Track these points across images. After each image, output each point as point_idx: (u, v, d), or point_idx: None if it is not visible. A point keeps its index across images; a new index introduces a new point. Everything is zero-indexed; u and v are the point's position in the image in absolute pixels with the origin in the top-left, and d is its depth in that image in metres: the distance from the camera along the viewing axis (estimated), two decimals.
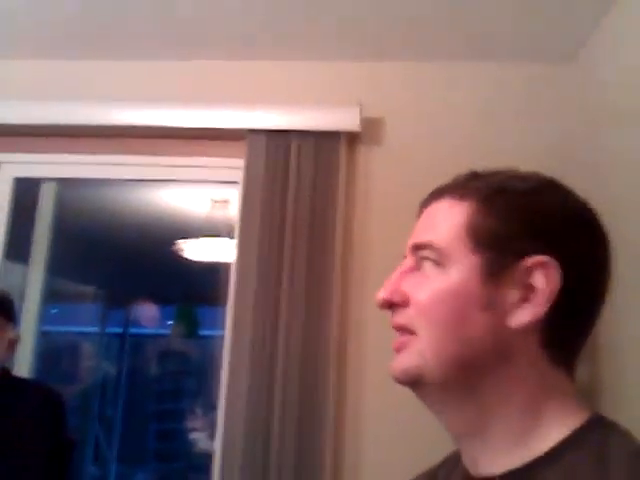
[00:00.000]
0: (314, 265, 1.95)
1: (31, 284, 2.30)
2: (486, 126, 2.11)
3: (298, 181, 2.01)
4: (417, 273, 0.70)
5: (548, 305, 0.64)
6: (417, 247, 0.70)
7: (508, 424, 0.66)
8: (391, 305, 0.70)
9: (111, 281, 5.73)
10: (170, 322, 6.20)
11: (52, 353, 5.16)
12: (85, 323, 6.11)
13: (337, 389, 1.92)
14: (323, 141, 2.03)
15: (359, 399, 1.97)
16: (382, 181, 2.10)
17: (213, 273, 3.29)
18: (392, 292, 0.70)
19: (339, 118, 2.05)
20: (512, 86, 2.15)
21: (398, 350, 0.69)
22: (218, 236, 3.50)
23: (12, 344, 1.71)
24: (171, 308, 6.15)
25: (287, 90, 2.20)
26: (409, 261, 0.71)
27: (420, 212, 0.74)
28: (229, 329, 1.98)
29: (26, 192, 2.33)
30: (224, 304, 2.10)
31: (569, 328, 0.67)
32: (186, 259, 3.84)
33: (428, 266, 0.69)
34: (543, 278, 0.64)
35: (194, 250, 3.74)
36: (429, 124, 2.13)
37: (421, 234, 0.71)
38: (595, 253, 0.68)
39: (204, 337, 5.95)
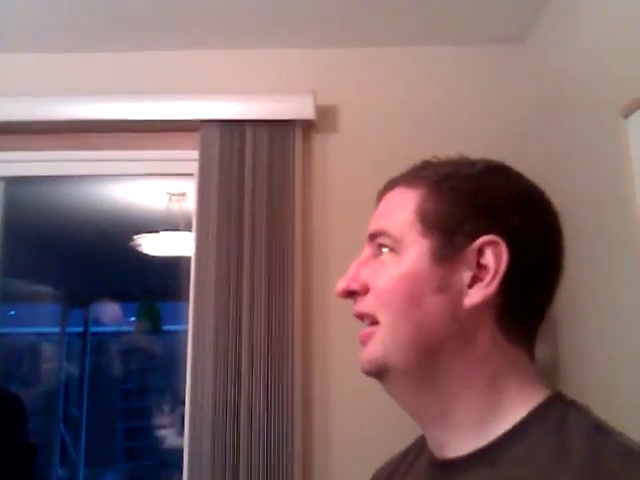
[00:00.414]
0: (274, 254, 1.93)
1: None
2: (439, 110, 2.11)
3: (254, 171, 1.98)
4: (375, 261, 0.72)
5: (497, 283, 0.66)
6: (373, 235, 0.72)
7: (471, 405, 0.67)
8: (350, 294, 0.72)
9: (69, 280, 5.62)
10: (132, 319, 6.13)
11: (11, 355, 5.05)
12: (45, 323, 5.99)
13: (303, 378, 1.92)
14: (278, 130, 2.02)
15: (326, 386, 1.97)
16: (339, 168, 2.10)
17: (174, 267, 3.26)
18: (351, 281, 0.72)
19: (293, 106, 2.03)
20: (464, 70, 2.16)
21: (363, 342, 0.71)
22: (177, 230, 3.46)
23: None
24: (133, 305, 6.08)
25: (240, 79, 2.17)
26: (367, 250, 0.73)
27: (377, 203, 0.76)
28: (191, 323, 1.95)
29: None
30: (186, 299, 2.07)
31: (523, 305, 0.68)
32: (145, 254, 3.79)
33: (384, 253, 0.71)
34: (492, 257, 0.66)
35: (153, 245, 3.69)
36: (383, 110, 2.12)
37: (376, 223, 0.73)
38: (543, 230, 0.70)
39: (168, 332, 5.91)
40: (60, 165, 2.21)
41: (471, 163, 0.73)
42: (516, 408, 0.65)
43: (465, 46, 2.15)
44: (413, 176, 0.73)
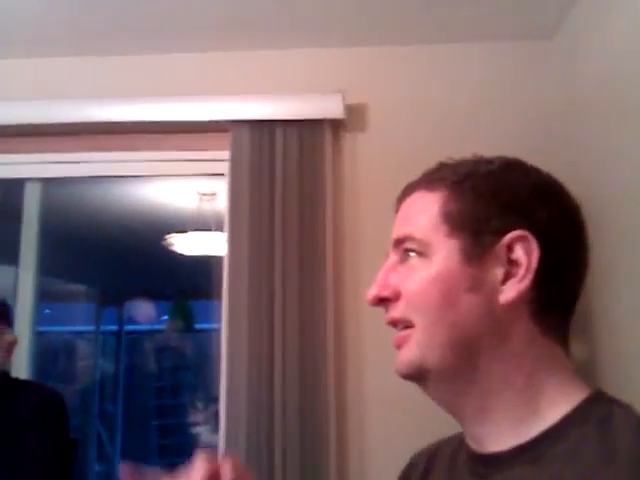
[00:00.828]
0: (306, 253, 1.94)
1: (22, 285, 2.29)
2: (469, 107, 2.10)
3: (284, 171, 2.00)
4: (403, 266, 0.72)
5: (531, 277, 0.66)
6: (398, 241, 0.73)
7: (511, 404, 0.67)
8: (382, 300, 0.72)
9: (103, 279, 5.71)
10: (165, 317, 6.20)
11: (48, 353, 5.15)
12: (79, 322, 6.11)
13: (337, 374, 1.93)
14: (307, 129, 2.02)
15: (360, 382, 1.98)
16: (369, 167, 2.09)
17: (205, 267, 3.28)
18: (381, 288, 0.72)
19: (322, 106, 2.04)
20: (493, 67, 2.15)
21: (398, 346, 0.71)
22: (208, 229, 3.49)
23: (11, 347, 1.72)
24: (165, 303, 6.15)
25: (269, 80, 2.18)
26: (394, 256, 0.73)
27: (396, 209, 0.76)
28: (225, 322, 1.98)
29: (10, 193, 2.31)
30: (218, 297, 2.09)
31: (556, 298, 0.69)
32: (177, 254, 3.83)
33: (412, 258, 0.71)
34: (522, 251, 0.67)
35: (184, 244, 3.73)
36: (412, 108, 2.12)
37: (400, 228, 0.73)
38: (567, 221, 0.70)
39: (200, 331, 5.96)
40: (94, 166, 2.26)
41: (487, 161, 0.73)
42: (556, 406, 0.65)
43: (494, 42, 2.13)
44: (431, 179, 0.73)
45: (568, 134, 1.96)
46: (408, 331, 0.70)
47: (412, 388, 0.73)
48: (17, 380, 1.80)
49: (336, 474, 1.84)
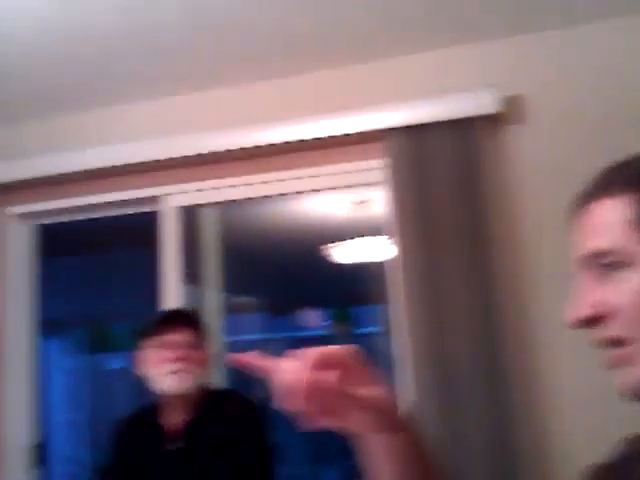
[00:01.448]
0: (475, 255, 1.93)
1: (208, 301, 2.50)
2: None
3: (445, 173, 1.98)
4: (604, 282, 0.67)
5: None
6: (591, 257, 0.68)
7: None
8: (589, 321, 0.67)
9: (272, 290, 6.00)
10: (327, 323, 6.39)
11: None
12: (249, 332, 6.49)
13: (526, 369, 1.90)
14: (463, 128, 1.99)
15: (552, 378, 1.91)
16: (532, 161, 2.01)
17: (359, 273, 3.34)
18: (592, 306, 0.67)
19: (476, 102, 1.99)
20: None
21: (619, 365, 0.67)
22: (362, 236, 3.56)
23: (211, 360, 1.84)
24: (325, 310, 6.35)
25: (418, 83, 2.17)
26: (587, 274, 0.69)
27: (573, 223, 0.72)
28: (401, 326, 2.00)
29: (189, 218, 2.52)
30: (379, 302, 2.12)
31: None
32: (335, 262, 3.95)
33: (613, 271, 0.67)
34: None
35: (341, 253, 3.84)
36: (576, 94, 2.01)
37: (589, 243, 0.68)
38: None
39: (360, 335, 6.10)
40: (259, 187, 2.37)
41: None
42: None
43: None
44: (606, 184, 0.69)
45: None
46: (628, 348, 0.65)
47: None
48: (218, 391, 1.90)
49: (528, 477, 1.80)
